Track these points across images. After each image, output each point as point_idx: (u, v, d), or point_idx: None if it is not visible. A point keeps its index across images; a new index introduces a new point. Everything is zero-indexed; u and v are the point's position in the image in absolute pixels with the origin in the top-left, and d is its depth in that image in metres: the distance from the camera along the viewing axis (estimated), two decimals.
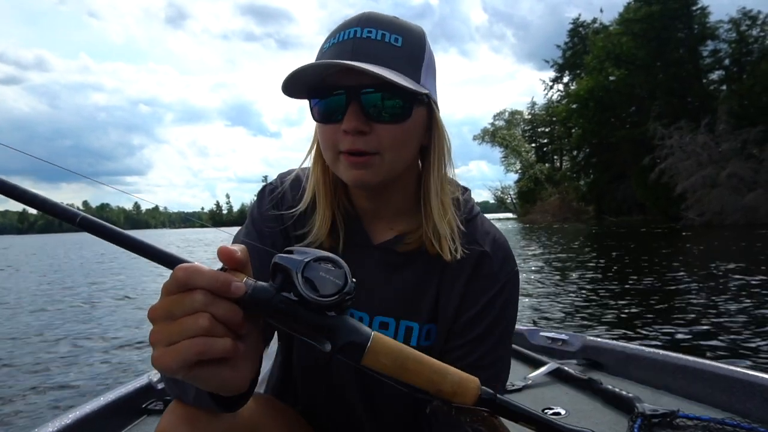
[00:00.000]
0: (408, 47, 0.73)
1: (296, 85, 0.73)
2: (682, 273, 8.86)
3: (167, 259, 0.47)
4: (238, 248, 0.47)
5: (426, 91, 0.74)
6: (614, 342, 2.23)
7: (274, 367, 1.01)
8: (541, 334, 2.51)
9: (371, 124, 0.72)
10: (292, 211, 0.84)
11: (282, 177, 0.90)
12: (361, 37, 0.72)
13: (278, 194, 0.87)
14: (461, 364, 0.58)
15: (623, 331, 5.18)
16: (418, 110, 0.75)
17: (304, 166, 0.87)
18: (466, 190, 0.90)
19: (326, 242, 0.82)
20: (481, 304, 0.80)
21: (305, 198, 0.84)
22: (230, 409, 0.57)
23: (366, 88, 0.71)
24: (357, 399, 0.88)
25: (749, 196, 23.20)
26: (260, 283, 0.47)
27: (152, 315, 0.44)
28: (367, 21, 0.73)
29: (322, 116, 0.75)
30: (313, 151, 0.83)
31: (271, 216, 0.85)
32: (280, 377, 0.98)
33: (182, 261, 0.46)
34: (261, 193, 0.89)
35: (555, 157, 51.66)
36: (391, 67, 0.70)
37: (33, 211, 0.52)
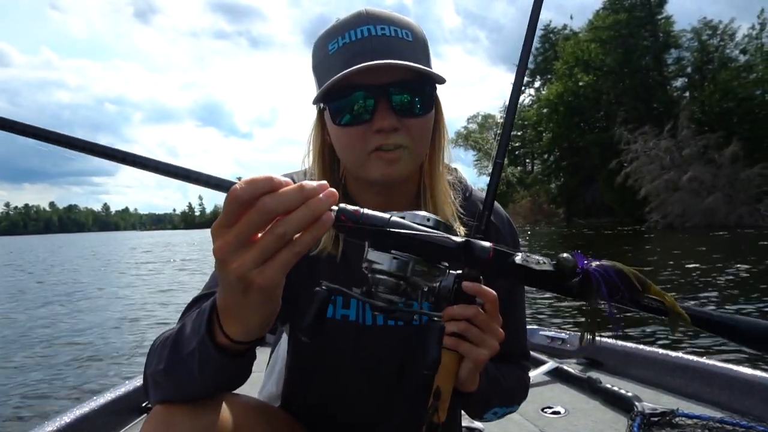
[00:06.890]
0: (417, 41, 0.76)
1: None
2: (651, 271, 9.12)
3: (219, 184, 0.48)
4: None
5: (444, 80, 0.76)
6: (613, 341, 2.26)
7: (275, 376, 0.97)
8: (541, 333, 2.51)
9: (401, 119, 0.73)
10: None
11: None
12: (376, 35, 0.72)
13: None
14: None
15: (611, 325, 5.29)
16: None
17: (297, 170, 0.85)
18: (454, 170, 0.91)
19: (332, 249, 0.79)
20: None
21: None
22: (240, 359, 0.57)
23: (392, 86, 0.71)
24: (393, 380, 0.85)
25: (709, 199, 24.17)
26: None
27: (224, 250, 0.44)
28: (376, 18, 0.74)
29: (347, 119, 0.73)
30: (312, 155, 0.81)
31: None
32: (290, 378, 0.93)
33: (232, 183, 0.46)
34: None
35: (527, 160, 52.58)
36: (412, 61, 0.72)
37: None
